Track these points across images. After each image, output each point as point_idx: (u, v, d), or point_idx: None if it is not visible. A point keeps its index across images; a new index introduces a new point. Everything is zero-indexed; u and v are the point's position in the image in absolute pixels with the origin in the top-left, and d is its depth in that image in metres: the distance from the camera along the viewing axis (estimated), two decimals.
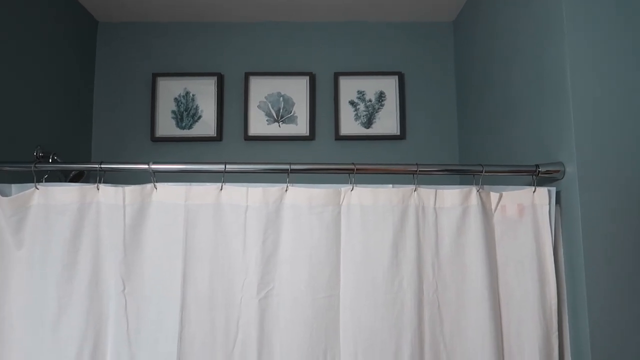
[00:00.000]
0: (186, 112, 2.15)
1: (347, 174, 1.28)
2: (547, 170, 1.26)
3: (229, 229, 1.24)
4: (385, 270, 1.21)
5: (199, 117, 2.15)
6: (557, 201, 1.26)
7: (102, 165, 1.27)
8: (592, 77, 1.23)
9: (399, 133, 2.12)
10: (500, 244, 1.25)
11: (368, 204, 1.25)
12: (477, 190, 1.25)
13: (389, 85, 2.17)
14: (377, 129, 2.14)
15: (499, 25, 1.69)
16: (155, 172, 1.27)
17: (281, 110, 2.16)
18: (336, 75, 2.17)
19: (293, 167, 1.26)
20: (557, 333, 1.19)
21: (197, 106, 2.16)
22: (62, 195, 1.24)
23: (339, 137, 2.13)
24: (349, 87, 2.17)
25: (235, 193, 1.25)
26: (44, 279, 1.21)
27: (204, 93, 2.16)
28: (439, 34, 2.22)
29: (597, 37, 1.24)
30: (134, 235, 1.24)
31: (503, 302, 1.23)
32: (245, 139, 2.13)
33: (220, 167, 1.27)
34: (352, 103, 2.16)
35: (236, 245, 1.24)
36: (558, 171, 1.25)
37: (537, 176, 1.27)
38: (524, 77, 1.48)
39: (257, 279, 1.21)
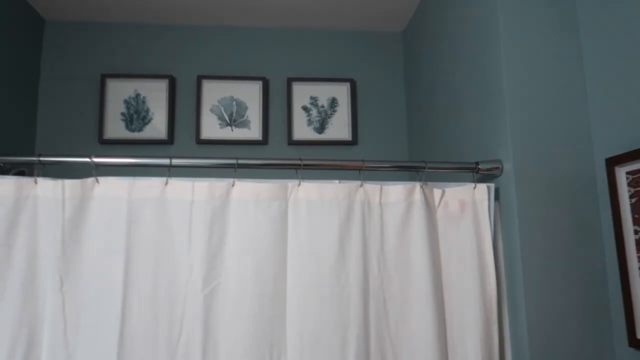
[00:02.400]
0: (136, 115, 2.12)
1: (295, 170, 1.29)
2: (486, 168, 1.32)
3: (174, 223, 1.22)
4: (332, 264, 1.22)
5: (150, 120, 2.12)
6: (497, 197, 1.32)
7: (40, 158, 1.23)
8: (525, 80, 1.30)
9: (350, 138, 2.16)
10: (443, 238, 1.29)
11: (315, 198, 1.26)
12: (421, 186, 1.29)
13: (342, 92, 2.21)
14: (329, 134, 2.17)
15: (444, 35, 1.76)
16: (98, 165, 1.24)
17: (234, 115, 2.16)
18: (289, 81, 2.19)
19: (240, 161, 1.27)
20: (497, 324, 1.23)
21: (147, 108, 2.13)
22: None
23: (292, 142, 2.14)
24: (302, 93, 2.20)
25: (181, 187, 1.24)
26: None
27: (155, 95, 2.14)
28: (389, 42, 2.29)
29: (530, 43, 1.32)
30: (74, 231, 1.20)
31: (446, 295, 1.26)
32: (197, 143, 2.11)
33: (166, 161, 1.25)
34: (305, 108, 2.19)
35: (181, 240, 1.22)
36: (497, 168, 1.31)
37: (477, 173, 1.32)
38: (466, 82, 1.55)
39: (203, 274, 1.20)
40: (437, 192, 1.31)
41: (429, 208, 1.29)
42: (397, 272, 1.25)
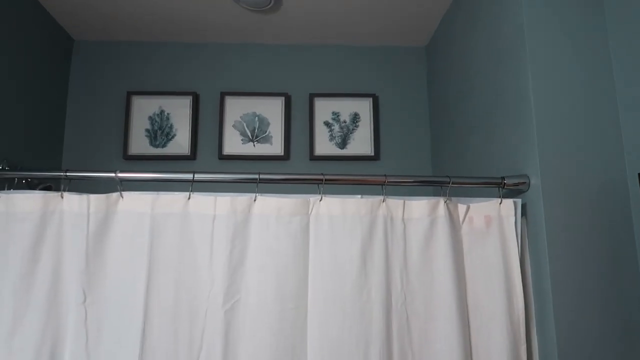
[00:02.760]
0: (160, 131, 2.15)
1: (317, 185, 1.28)
2: (512, 183, 1.29)
3: (196, 238, 1.23)
4: (354, 280, 1.21)
5: (173, 136, 2.15)
6: (523, 213, 1.29)
7: (67, 173, 1.26)
8: (553, 93, 1.28)
9: (373, 154, 2.16)
10: (468, 255, 1.27)
11: (336, 214, 1.25)
12: (445, 202, 1.27)
13: (364, 107, 2.21)
14: (351, 149, 2.17)
15: (467, 49, 1.75)
16: (122, 180, 1.26)
17: (256, 130, 2.18)
18: (311, 96, 2.21)
19: (262, 176, 1.27)
20: (525, 345, 1.19)
21: (171, 125, 2.16)
22: (24, 203, 1.21)
23: (313, 157, 2.15)
24: (324, 108, 2.21)
25: (203, 202, 1.25)
26: (0, 288, 1.17)
27: (179, 112, 2.17)
28: (411, 57, 2.29)
29: (558, 54, 1.30)
30: (98, 245, 1.22)
31: (471, 314, 1.23)
32: (219, 158, 2.14)
33: (189, 176, 1.27)
34: (327, 124, 2.19)
35: (203, 254, 1.22)
36: (524, 183, 1.28)
37: (503, 188, 1.30)
38: (491, 95, 1.53)
39: (224, 289, 1.20)
40: (461, 208, 1.29)
41: (454, 224, 1.27)
42: (421, 288, 1.23)
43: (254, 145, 2.16)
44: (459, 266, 1.24)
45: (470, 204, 1.30)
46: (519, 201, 1.28)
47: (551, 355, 1.15)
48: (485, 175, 1.47)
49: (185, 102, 2.18)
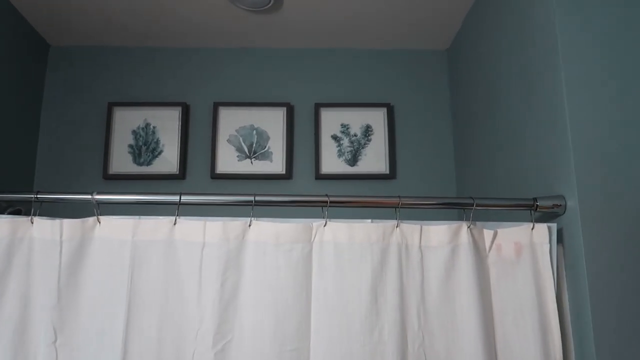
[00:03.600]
0: (145, 146, 2.19)
1: (321, 207, 1.30)
2: (546, 205, 1.30)
3: (183, 269, 1.25)
4: (363, 318, 1.21)
5: (160, 152, 2.19)
6: (559, 239, 1.29)
7: (38, 196, 1.29)
8: (590, 103, 1.29)
9: (388, 171, 2.17)
10: (496, 288, 1.27)
11: (343, 241, 1.27)
12: (468, 227, 1.28)
13: (377, 118, 2.24)
14: (363, 166, 2.19)
15: (494, 53, 1.78)
16: (100, 203, 1.29)
17: (254, 145, 2.21)
18: (317, 107, 2.24)
19: (258, 198, 1.29)
20: None
21: (157, 139, 2.20)
22: None
23: (319, 176, 2.17)
24: (331, 120, 2.24)
25: (191, 228, 1.27)
26: None
27: (167, 125, 2.22)
28: (431, 62, 2.32)
29: (595, 58, 1.32)
30: (71, 277, 1.24)
31: (500, 357, 1.22)
32: (212, 177, 2.17)
33: (175, 198, 1.29)
34: (335, 138, 2.22)
35: (190, 288, 1.24)
36: (559, 205, 1.29)
37: (536, 211, 1.31)
38: (522, 106, 1.55)
39: (214, 328, 1.21)
40: (487, 234, 1.30)
41: (479, 252, 1.28)
42: (441, 328, 1.23)
43: (252, 163, 2.19)
44: (486, 302, 1.24)
45: (498, 230, 1.30)
46: (554, 226, 1.28)
47: None
48: (514, 197, 1.48)
49: (174, 114, 2.22)
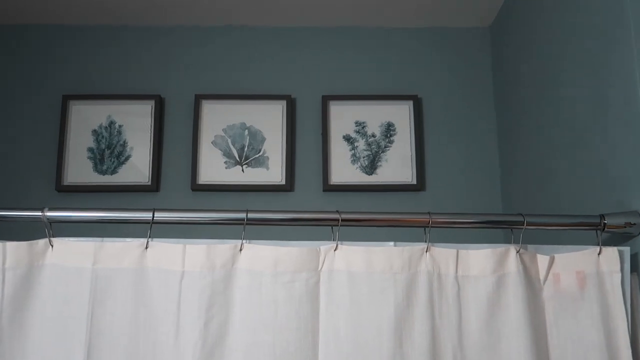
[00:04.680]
0: (109, 150, 2.22)
1: (330, 227, 1.31)
2: (616, 224, 1.30)
3: (156, 304, 1.25)
4: None
5: (127, 158, 2.21)
6: (634, 267, 1.29)
7: None
8: None
9: (414, 182, 2.18)
10: (554, 328, 1.27)
11: (359, 269, 1.27)
12: (518, 251, 1.28)
13: (401, 114, 2.25)
14: (383, 175, 2.20)
15: (550, 28, 1.79)
16: (53, 222, 1.30)
17: (246, 149, 2.22)
18: (325, 100, 2.26)
19: (251, 215, 1.30)
20: None
21: (125, 142, 2.22)
22: None
23: (328, 188, 2.18)
24: (343, 117, 2.25)
25: (167, 253, 1.28)
26: None
27: (136, 123, 2.24)
28: (469, 43, 2.34)
29: None
30: (16, 314, 1.25)
31: None
32: (193, 189, 2.18)
33: (147, 215, 1.30)
34: (348, 139, 2.23)
35: (166, 329, 1.24)
36: (633, 224, 1.29)
37: (603, 231, 1.30)
38: (587, 99, 1.56)
39: None
40: (542, 260, 1.30)
41: (531, 284, 1.28)
42: None
43: (243, 171, 2.20)
44: (541, 344, 1.24)
45: (555, 255, 1.30)
46: (626, 250, 1.28)
47: None
48: (575, 214, 1.48)
49: (145, 109, 2.25)
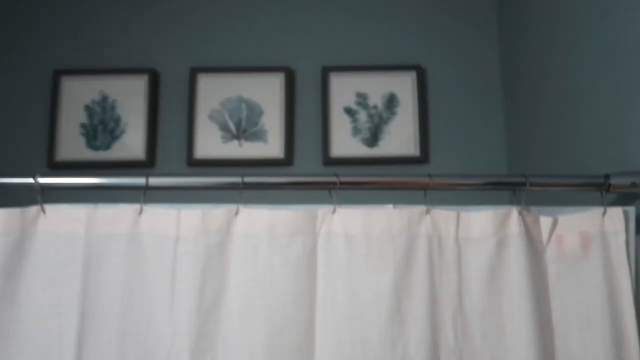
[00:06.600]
0: (102, 126, 2.24)
1: (328, 191, 1.33)
2: (622, 184, 1.32)
3: (151, 270, 1.28)
4: (383, 330, 1.24)
5: (122, 133, 2.24)
6: (639, 229, 1.31)
7: None
8: None
9: (418, 154, 2.21)
10: (557, 291, 1.29)
11: (357, 232, 1.29)
12: (520, 213, 1.30)
13: (403, 85, 2.28)
14: (386, 148, 2.23)
15: None
16: (45, 188, 1.32)
17: (243, 122, 2.25)
18: (325, 71, 2.28)
19: (247, 180, 1.32)
20: None
21: (118, 117, 2.25)
22: None
23: (329, 161, 2.21)
24: (344, 88, 2.28)
25: (161, 218, 1.30)
26: None
27: (130, 98, 2.27)
28: (475, 10, 2.35)
29: None
30: (8, 281, 1.27)
31: None
32: (189, 165, 2.21)
33: (141, 181, 1.32)
34: (348, 111, 2.26)
35: (160, 294, 1.27)
36: (638, 185, 1.31)
37: (608, 191, 1.32)
38: (593, 58, 1.57)
39: (190, 344, 1.23)
40: (545, 222, 1.32)
41: (533, 246, 1.30)
42: (484, 342, 1.25)
43: (241, 145, 2.23)
44: (543, 307, 1.27)
45: (559, 217, 1.32)
46: (631, 210, 1.31)
47: None
48: (580, 174, 1.50)
49: (139, 84, 2.28)
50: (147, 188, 1.32)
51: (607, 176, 1.33)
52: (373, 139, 2.23)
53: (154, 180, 1.32)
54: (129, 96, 2.27)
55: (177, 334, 1.25)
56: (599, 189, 1.33)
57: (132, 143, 2.23)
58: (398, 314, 1.25)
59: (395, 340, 1.24)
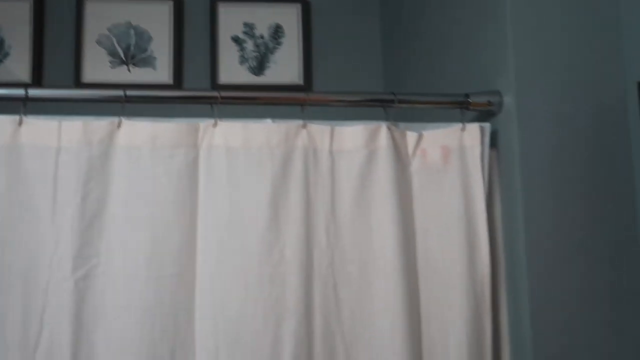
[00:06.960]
0: None
1: (210, 105, 1.35)
2: (479, 102, 1.42)
3: (32, 180, 1.28)
4: (261, 235, 1.30)
5: (5, 56, 2.17)
6: (493, 143, 1.41)
7: None
8: None
9: (302, 82, 2.26)
10: (419, 199, 1.39)
11: (237, 145, 1.33)
12: (388, 128, 1.38)
13: (289, 17, 2.31)
14: (271, 76, 2.26)
15: None
16: None
17: (132, 48, 2.22)
18: (214, 1, 2.27)
19: (130, 93, 1.33)
20: (490, 314, 1.33)
21: (1, 39, 2.17)
22: None
23: (217, 87, 2.21)
24: (232, 19, 2.29)
25: (42, 129, 1.30)
26: None
27: (14, 22, 2.18)
28: None
29: None
30: None
31: (422, 277, 1.35)
32: (77, 87, 2.16)
33: (19, 92, 1.29)
34: (236, 40, 2.27)
35: (42, 204, 1.27)
36: (493, 104, 1.41)
37: (467, 109, 1.42)
38: None
39: (73, 251, 1.26)
40: (411, 137, 1.40)
41: (400, 158, 1.38)
42: (354, 245, 1.33)
43: (129, 70, 2.21)
44: (406, 214, 1.36)
45: (423, 132, 1.41)
46: (487, 126, 1.40)
47: (523, 327, 1.30)
48: (443, 92, 1.59)
49: (23, 6, 2.19)
50: (26, 99, 1.30)
51: (467, 95, 1.42)
52: (259, 68, 2.26)
53: (33, 92, 1.31)
54: (14, 20, 2.18)
55: (60, 242, 1.26)
56: (460, 107, 1.42)
57: (16, 67, 2.16)
58: (275, 221, 1.31)
59: (273, 245, 1.30)
